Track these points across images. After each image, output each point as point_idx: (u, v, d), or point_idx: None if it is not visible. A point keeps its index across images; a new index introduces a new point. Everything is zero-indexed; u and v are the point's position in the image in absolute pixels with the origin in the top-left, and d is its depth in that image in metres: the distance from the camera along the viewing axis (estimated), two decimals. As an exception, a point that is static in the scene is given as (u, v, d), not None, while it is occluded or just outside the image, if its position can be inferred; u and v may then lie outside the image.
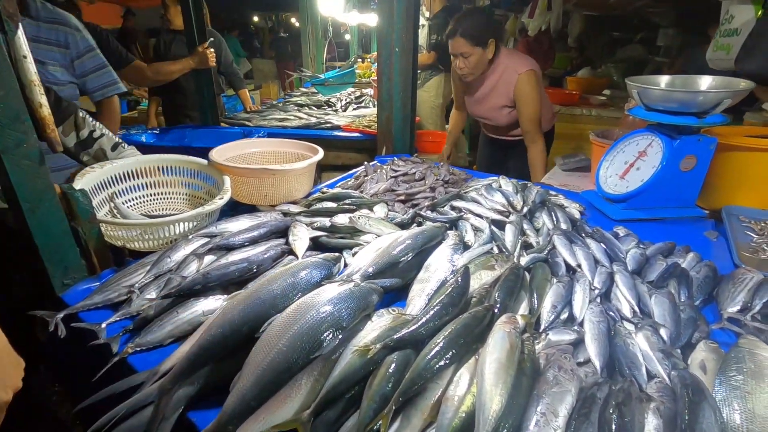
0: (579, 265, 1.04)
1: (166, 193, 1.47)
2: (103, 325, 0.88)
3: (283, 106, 3.53)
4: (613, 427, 0.61)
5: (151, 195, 1.45)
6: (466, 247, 1.13)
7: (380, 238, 1.15)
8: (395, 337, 0.74)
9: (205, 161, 1.42)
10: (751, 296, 0.93)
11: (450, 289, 0.87)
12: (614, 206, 1.47)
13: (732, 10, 1.73)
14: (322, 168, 2.89)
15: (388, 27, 1.81)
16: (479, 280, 0.97)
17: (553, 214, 1.32)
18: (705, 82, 1.39)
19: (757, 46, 1.48)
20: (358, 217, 1.22)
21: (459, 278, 0.89)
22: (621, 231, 1.29)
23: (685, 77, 1.44)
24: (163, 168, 1.43)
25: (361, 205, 1.34)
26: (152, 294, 0.96)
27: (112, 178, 1.32)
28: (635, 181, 1.43)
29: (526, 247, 1.19)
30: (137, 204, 1.42)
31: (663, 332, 0.83)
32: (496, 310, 0.84)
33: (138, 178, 1.40)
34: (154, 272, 1.01)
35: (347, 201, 1.36)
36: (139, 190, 1.42)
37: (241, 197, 1.45)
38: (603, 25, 6.77)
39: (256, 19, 12.83)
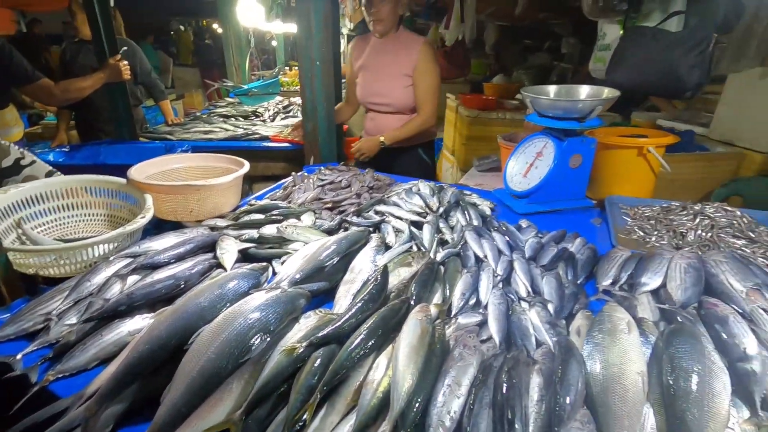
0: (485, 256, 1.18)
1: (83, 215, 1.42)
2: (19, 356, 0.86)
3: (207, 117, 3.45)
4: (504, 387, 0.72)
5: (67, 218, 1.39)
6: (388, 247, 1.23)
7: (308, 246, 1.22)
8: (319, 335, 0.81)
9: (123, 180, 1.39)
10: (619, 271, 1.13)
11: (370, 287, 0.96)
12: (519, 202, 1.66)
13: (604, 27, 2.02)
14: (252, 179, 2.88)
15: (306, 40, 1.87)
16: (398, 276, 1.07)
17: (466, 212, 1.46)
18: (584, 91, 1.62)
19: (621, 61, 1.76)
20: (286, 227, 1.27)
21: (378, 276, 0.99)
22: (524, 223, 1.47)
23: (569, 87, 1.67)
24: (77, 189, 1.38)
25: (289, 215, 1.39)
26: (72, 320, 0.94)
27: (18, 202, 1.25)
28: (535, 178, 1.62)
29: (443, 243, 1.32)
30: (52, 228, 1.35)
31: (550, 307, 0.98)
32: (411, 302, 0.94)
33: (50, 200, 1.33)
34: (73, 297, 0.99)
35: (275, 212, 1.40)
36: (53, 213, 1.35)
37: (166, 214, 1.43)
38: (516, 34, 7.36)
39: (180, 26, 12.21)
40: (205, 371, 0.73)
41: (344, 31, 3.78)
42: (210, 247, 1.22)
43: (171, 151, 2.65)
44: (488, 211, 1.57)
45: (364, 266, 1.11)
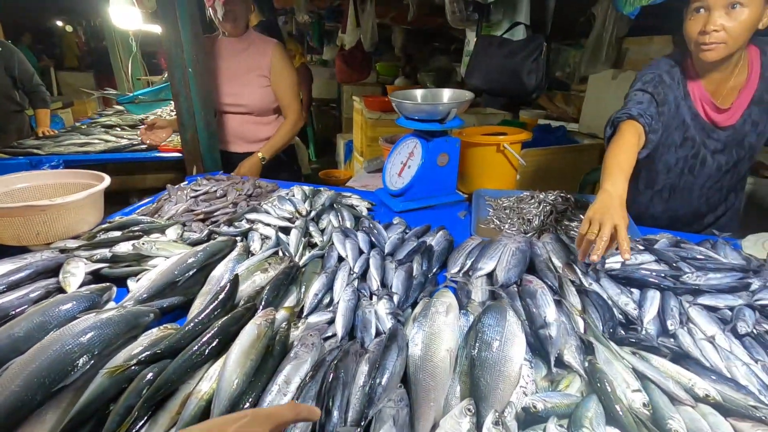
0: (347, 256, 1.23)
1: None
2: None
3: (86, 128, 3.16)
4: (330, 378, 0.77)
5: None
6: (252, 255, 1.24)
7: (167, 260, 1.18)
8: (148, 352, 0.80)
9: (-52, 205, 1.24)
10: (465, 258, 1.24)
11: (217, 297, 0.96)
12: (396, 200, 1.75)
13: (469, 35, 2.20)
14: (142, 193, 2.69)
15: (176, 47, 1.80)
16: (253, 283, 1.08)
17: (339, 214, 1.51)
18: (446, 95, 1.76)
19: (474, 66, 1.93)
20: (143, 243, 1.22)
21: (227, 285, 0.99)
22: (396, 220, 1.56)
23: (435, 91, 1.80)
24: None
25: (151, 230, 1.34)
26: None
27: None
28: (408, 177, 1.73)
29: (313, 246, 1.36)
30: None
31: (395, 298, 1.05)
32: (259, 308, 0.96)
33: None
34: None
35: (135, 228, 1.34)
36: None
37: (9, 240, 1.30)
38: (425, 37, 7.68)
39: (65, 27, 10.96)
40: (7, 406, 0.68)
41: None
42: (54, 271, 1.13)
43: (37, 167, 2.40)
44: (365, 211, 1.64)
45: (222, 276, 1.11)
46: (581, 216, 1.52)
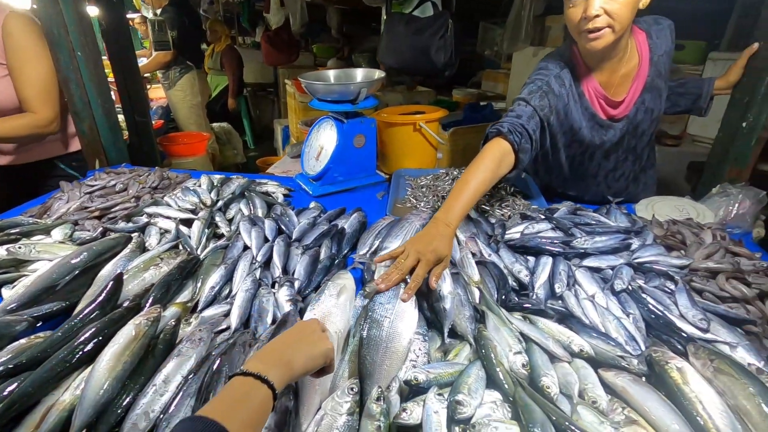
0: (251, 245, 1.19)
1: None
2: None
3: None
4: (213, 370, 0.74)
5: None
6: (147, 251, 1.16)
7: (50, 263, 1.08)
8: (7, 365, 0.73)
9: None
10: (374, 239, 1.24)
11: (96, 299, 0.89)
12: (314, 184, 1.72)
13: (384, 14, 2.18)
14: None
15: (57, 28, 1.62)
16: (143, 281, 1.02)
17: (250, 202, 1.46)
18: (360, 74, 1.73)
19: (386, 44, 1.92)
20: (19, 247, 1.11)
21: (108, 285, 0.92)
22: (312, 205, 1.52)
23: (348, 71, 1.76)
24: None
25: (31, 232, 1.22)
26: None
27: None
28: (324, 160, 1.69)
29: (219, 237, 1.30)
30: None
31: (297, 284, 1.04)
32: (146, 306, 0.91)
33: None
34: None
35: (12, 231, 1.21)
36: None
37: None
38: (364, 17, 7.52)
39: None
40: None
41: (147, 14, 3.41)
42: None
43: None
44: (281, 198, 1.59)
45: (109, 277, 1.03)
46: (491, 191, 1.57)
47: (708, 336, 0.88)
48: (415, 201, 1.58)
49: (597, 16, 1.11)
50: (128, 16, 6.32)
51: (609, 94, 1.34)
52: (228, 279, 1.05)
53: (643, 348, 0.85)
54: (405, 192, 1.68)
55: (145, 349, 0.79)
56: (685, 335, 0.89)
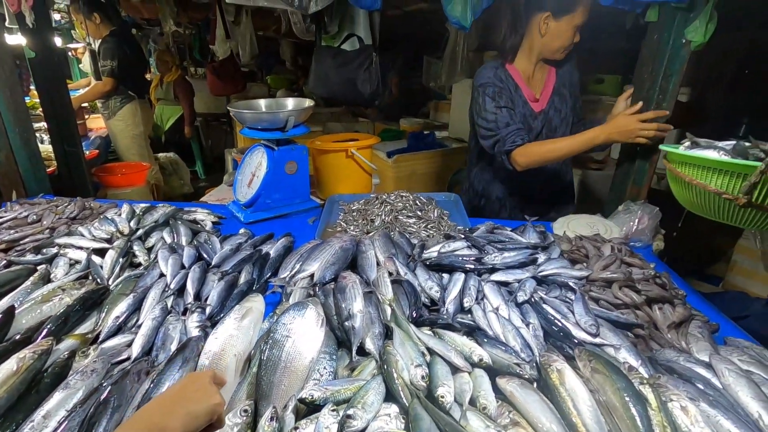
0: (167, 272, 1.17)
1: None
2: None
3: None
4: (100, 401, 0.72)
5: None
6: (50, 282, 1.11)
7: (-63, 300, 1.01)
8: None
9: None
10: (296, 261, 1.25)
11: (-21, 333, 0.84)
12: (245, 211, 1.72)
13: (319, 46, 2.28)
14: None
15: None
16: (40, 314, 0.97)
17: (174, 230, 1.43)
18: (291, 103, 1.77)
19: (315, 76, 2.01)
20: None
21: (-4, 320, 0.88)
22: (241, 231, 1.52)
23: (279, 100, 1.81)
24: None
25: None
26: None
27: None
28: (255, 187, 1.70)
29: (136, 266, 1.27)
30: None
31: (208, 309, 1.02)
32: (40, 338, 0.86)
33: None
34: None
35: None
36: None
37: None
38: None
39: None
40: None
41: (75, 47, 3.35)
42: None
43: None
44: (209, 225, 1.58)
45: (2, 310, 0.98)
46: (419, 213, 1.63)
47: (597, 340, 0.95)
48: (345, 225, 1.61)
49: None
50: (71, 45, 6.20)
51: (532, 91, 1.73)
52: (136, 308, 1.02)
53: (536, 353, 0.90)
54: (337, 217, 1.72)
55: (28, 384, 0.75)
56: (577, 341, 0.95)
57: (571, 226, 1.65)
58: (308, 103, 1.70)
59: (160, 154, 4.46)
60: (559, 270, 1.19)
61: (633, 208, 1.61)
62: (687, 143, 1.14)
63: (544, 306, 1.07)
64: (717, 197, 1.01)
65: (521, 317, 1.03)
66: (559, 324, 1.00)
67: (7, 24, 2.02)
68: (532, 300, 1.09)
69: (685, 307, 1.10)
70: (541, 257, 1.26)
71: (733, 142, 1.06)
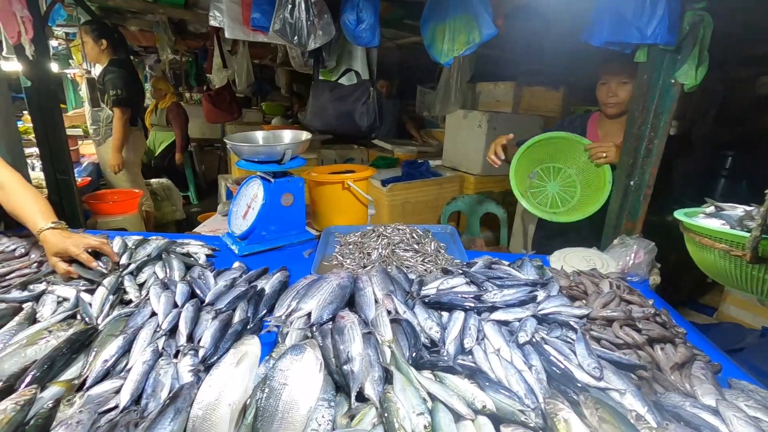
0: (159, 311, 1.13)
1: None
2: None
3: None
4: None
5: None
6: (36, 322, 1.07)
7: None
8: None
9: None
10: (292, 299, 1.22)
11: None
12: (240, 243, 1.69)
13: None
14: None
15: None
16: (24, 358, 0.93)
17: (167, 264, 1.40)
18: (287, 135, 1.78)
19: (312, 108, 2.03)
20: None
21: (-23, 366, 0.83)
22: (235, 265, 1.49)
23: (276, 132, 1.81)
24: None
25: None
26: None
27: None
28: (251, 219, 1.68)
29: (127, 303, 1.23)
30: None
31: (201, 352, 0.99)
32: (19, 386, 0.82)
33: None
34: None
35: None
36: None
37: None
38: (312, 77, 7.85)
39: None
40: None
41: (73, 71, 3.35)
42: None
43: None
44: (203, 258, 1.55)
45: (-13, 353, 0.93)
46: (416, 247, 1.62)
47: (601, 384, 0.93)
48: (341, 258, 1.59)
49: (613, 96, 1.85)
50: (67, 71, 6.24)
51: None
52: (126, 350, 0.98)
53: (540, 400, 0.88)
54: (333, 249, 1.70)
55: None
56: (581, 385, 0.93)
57: (568, 259, 1.65)
58: (305, 135, 1.71)
59: (153, 180, 4.44)
60: (559, 308, 1.18)
61: (629, 242, 1.62)
62: (710, 208, 1.17)
63: (546, 347, 1.05)
64: (729, 260, 1.03)
65: (523, 359, 1.00)
66: (562, 366, 0.98)
67: (4, 54, 2.03)
68: (533, 340, 1.07)
69: (686, 347, 1.09)
70: (541, 294, 1.24)
71: (751, 209, 1.08)
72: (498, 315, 1.15)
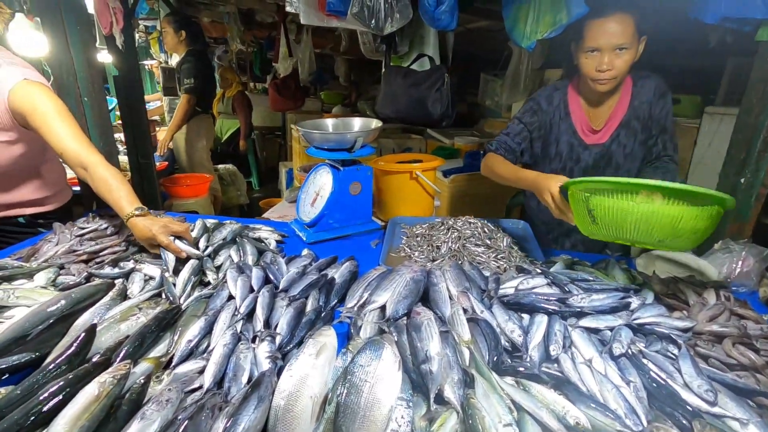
0: (236, 294, 1.15)
1: None
2: None
3: None
4: (178, 439, 0.69)
5: None
6: (128, 298, 1.13)
7: (27, 310, 1.05)
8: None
9: None
10: (363, 290, 1.20)
11: (63, 353, 0.85)
12: (308, 231, 1.70)
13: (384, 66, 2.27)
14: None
15: (68, 76, 1.69)
16: (117, 332, 0.98)
17: (241, 248, 1.43)
18: (357, 124, 1.76)
19: (384, 96, 1.98)
20: (-5, 292, 1.08)
21: (79, 338, 0.88)
22: (305, 252, 1.49)
23: (346, 120, 1.79)
24: None
25: (13, 276, 1.19)
26: None
27: None
28: (319, 207, 1.68)
29: (206, 285, 1.27)
30: None
31: (278, 339, 0.99)
32: (115, 362, 0.86)
33: None
34: None
35: (-6, 274, 1.19)
36: None
37: None
38: (370, 66, 7.87)
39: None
40: None
41: (150, 63, 3.57)
42: None
43: None
44: (273, 244, 1.57)
45: (84, 327, 0.99)
46: (488, 242, 1.54)
47: (716, 410, 0.82)
48: (409, 250, 1.55)
49: (608, 70, 1.41)
50: (145, 62, 6.70)
51: (590, 123, 1.61)
52: (208, 331, 1.01)
53: (644, 423, 0.79)
54: (400, 241, 1.66)
55: (107, 411, 0.74)
56: (691, 408, 0.82)
57: (658, 264, 1.49)
58: (375, 123, 1.67)
59: (220, 166, 4.66)
60: (657, 319, 1.06)
61: (735, 248, 1.43)
62: None
63: (645, 361, 0.94)
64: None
65: (619, 373, 0.91)
66: (667, 386, 0.87)
67: (97, 45, 2.17)
68: (629, 353, 0.96)
69: (818, 375, 0.93)
70: (635, 301, 1.12)
71: None
72: (587, 322, 1.05)
